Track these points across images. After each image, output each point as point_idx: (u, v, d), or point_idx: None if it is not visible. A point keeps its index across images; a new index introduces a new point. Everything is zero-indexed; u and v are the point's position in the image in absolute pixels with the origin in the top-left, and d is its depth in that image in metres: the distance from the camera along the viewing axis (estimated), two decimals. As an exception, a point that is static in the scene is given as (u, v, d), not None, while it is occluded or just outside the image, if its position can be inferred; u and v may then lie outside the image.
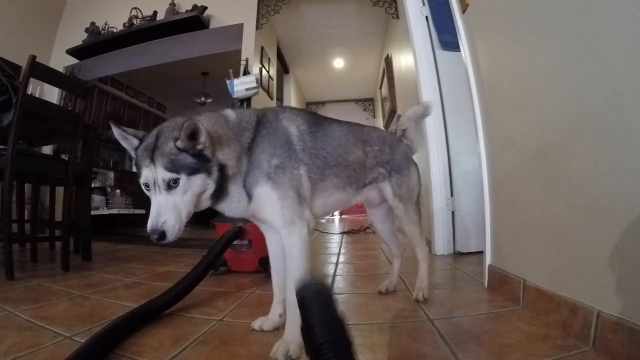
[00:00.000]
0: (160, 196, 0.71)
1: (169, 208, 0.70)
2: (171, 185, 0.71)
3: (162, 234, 0.69)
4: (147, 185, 0.74)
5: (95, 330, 0.80)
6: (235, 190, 0.80)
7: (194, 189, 0.73)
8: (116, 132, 0.78)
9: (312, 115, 0.98)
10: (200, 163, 0.72)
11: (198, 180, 0.73)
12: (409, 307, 1.05)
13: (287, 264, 0.82)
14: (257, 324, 0.91)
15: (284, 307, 0.88)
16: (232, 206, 0.81)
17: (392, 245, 1.27)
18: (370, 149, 1.07)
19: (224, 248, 1.40)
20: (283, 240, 0.82)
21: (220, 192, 0.77)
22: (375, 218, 1.26)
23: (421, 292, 1.12)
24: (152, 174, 0.71)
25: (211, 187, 0.75)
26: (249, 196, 0.81)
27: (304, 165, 0.87)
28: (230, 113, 0.86)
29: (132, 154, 0.78)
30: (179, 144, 0.71)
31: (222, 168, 0.76)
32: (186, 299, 1.13)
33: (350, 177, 1.00)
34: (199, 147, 0.72)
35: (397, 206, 1.11)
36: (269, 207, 0.81)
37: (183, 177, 0.71)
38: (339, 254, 2.23)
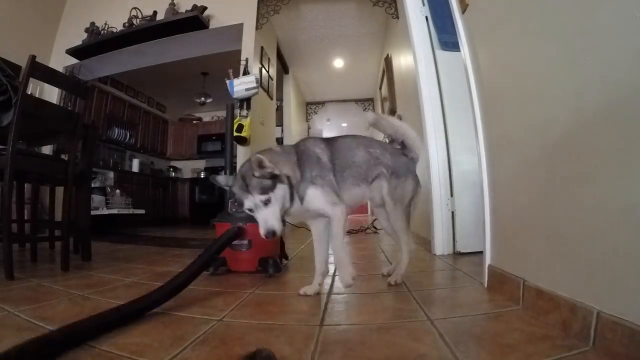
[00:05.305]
0: (263, 211, 1.04)
1: (270, 216, 1.03)
2: (266, 202, 1.04)
3: (274, 232, 1.02)
4: (251, 210, 1.06)
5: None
6: (295, 196, 1.12)
7: (279, 199, 1.06)
8: (214, 181, 1.17)
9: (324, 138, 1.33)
10: (275, 180, 1.05)
11: (280, 190, 1.05)
12: (408, 307, 1.05)
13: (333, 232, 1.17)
14: (303, 290, 1.22)
15: (323, 279, 1.24)
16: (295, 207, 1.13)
17: (396, 239, 1.44)
18: (373, 151, 1.32)
19: (221, 249, 1.40)
20: (331, 217, 1.15)
21: (292, 196, 1.10)
22: (381, 217, 1.47)
23: (395, 277, 1.32)
24: (252, 201, 1.04)
25: (287, 191, 1.08)
26: (301, 199, 1.13)
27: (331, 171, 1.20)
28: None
29: (231, 191, 1.14)
30: (257, 174, 1.03)
31: (288, 178, 1.09)
32: (186, 298, 1.14)
33: (360, 175, 1.28)
34: (268, 170, 1.03)
35: (388, 202, 1.32)
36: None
37: (271, 194, 1.04)
38: (338, 254, 2.23)
